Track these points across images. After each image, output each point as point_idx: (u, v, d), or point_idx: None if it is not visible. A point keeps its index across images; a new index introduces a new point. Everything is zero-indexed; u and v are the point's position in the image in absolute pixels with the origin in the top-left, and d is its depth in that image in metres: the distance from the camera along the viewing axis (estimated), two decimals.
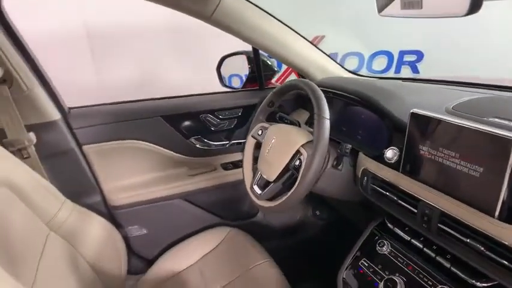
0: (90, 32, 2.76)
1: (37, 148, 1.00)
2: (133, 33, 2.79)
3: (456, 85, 0.98)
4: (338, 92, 1.01)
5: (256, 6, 1.04)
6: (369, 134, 0.92)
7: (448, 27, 2.63)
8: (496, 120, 0.68)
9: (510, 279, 0.55)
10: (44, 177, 0.96)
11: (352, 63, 3.12)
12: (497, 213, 0.56)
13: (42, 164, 1.01)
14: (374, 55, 3.14)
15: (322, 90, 0.84)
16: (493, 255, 0.57)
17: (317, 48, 1.19)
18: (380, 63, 3.13)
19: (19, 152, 0.96)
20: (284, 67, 2.62)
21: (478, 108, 0.72)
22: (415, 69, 3.06)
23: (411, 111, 0.70)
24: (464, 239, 0.61)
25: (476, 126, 0.58)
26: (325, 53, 1.21)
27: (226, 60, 1.42)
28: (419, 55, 2.99)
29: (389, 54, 3.11)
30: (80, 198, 1.05)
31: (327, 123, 0.79)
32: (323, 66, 1.18)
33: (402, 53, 3.06)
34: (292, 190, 0.81)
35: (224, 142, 1.30)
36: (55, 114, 1.04)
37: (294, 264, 1.16)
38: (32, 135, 0.98)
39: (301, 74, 1.22)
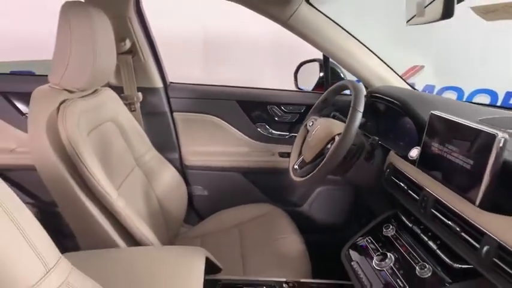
0: (207, 37, 3.23)
1: (141, 105, 1.36)
2: (243, 43, 3.17)
3: None
4: (384, 96, 1.11)
5: (328, 17, 1.22)
6: (402, 135, 1.01)
7: None
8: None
9: (477, 260, 0.61)
10: (142, 127, 1.30)
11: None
12: (478, 201, 0.63)
13: (142, 118, 1.37)
14: (475, 92, 2.96)
15: (373, 95, 0.97)
16: (467, 237, 0.63)
17: (382, 61, 1.30)
18: (481, 101, 2.93)
19: (129, 105, 1.32)
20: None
21: (501, 121, 0.77)
22: None
23: (430, 112, 0.79)
24: (447, 221, 0.68)
25: (470, 123, 0.66)
26: (389, 66, 1.31)
27: (303, 66, 1.62)
28: None
29: (493, 94, 2.89)
30: (163, 151, 1.37)
31: (359, 116, 0.92)
32: (384, 77, 1.28)
33: (510, 95, 2.82)
34: (315, 170, 0.96)
35: (285, 133, 1.50)
36: (159, 83, 1.39)
37: (322, 257, 1.26)
38: (140, 95, 1.35)
39: (363, 82, 1.34)
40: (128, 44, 1.26)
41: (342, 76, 1.48)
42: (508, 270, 0.53)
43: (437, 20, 0.56)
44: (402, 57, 2.96)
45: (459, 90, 3.00)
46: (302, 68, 1.60)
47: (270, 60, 3.24)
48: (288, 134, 1.49)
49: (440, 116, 0.75)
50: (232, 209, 1.41)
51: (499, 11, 0.70)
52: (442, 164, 0.73)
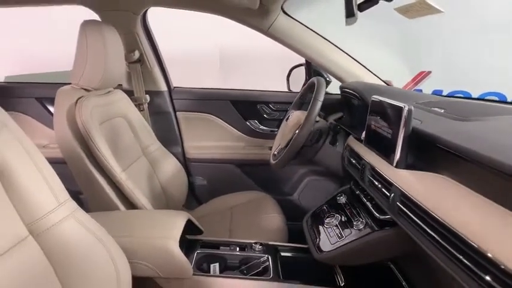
0: (222, 53, 3.48)
1: (149, 106, 1.60)
2: (255, 58, 3.39)
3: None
4: (349, 90, 1.28)
5: (304, 25, 1.41)
6: (359, 120, 1.17)
7: None
8: (436, 109, 0.89)
9: (388, 206, 0.76)
10: (149, 125, 1.53)
11: None
12: (394, 163, 0.78)
13: (150, 117, 1.60)
14: (484, 96, 3.01)
15: (344, 90, 1.13)
16: (384, 190, 0.79)
17: (356, 61, 1.47)
18: None
19: (138, 106, 1.56)
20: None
21: (434, 104, 0.93)
22: None
23: (371, 97, 0.95)
24: (376, 183, 0.83)
25: (390, 101, 0.82)
26: (363, 65, 1.47)
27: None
28: None
29: (501, 97, 2.93)
30: (168, 146, 1.59)
31: (318, 104, 1.09)
32: (357, 75, 1.44)
33: None
34: (283, 153, 1.14)
35: (274, 129, 1.68)
36: (164, 87, 1.63)
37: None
38: (147, 97, 1.59)
39: (339, 81, 1.50)
40: (136, 54, 1.51)
41: (325, 76, 1.65)
42: (408, 212, 0.69)
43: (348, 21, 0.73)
44: (409, 63, 3.10)
45: (467, 94, 3.06)
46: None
47: (278, 71, 3.44)
48: (276, 129, 1.67)
49: (375, 100, 0.92)
50: (227, 195, 1.60)
51: (414, 9, 0.86)
52: (376, 137, 0.89)
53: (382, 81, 1.49)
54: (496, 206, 0.51)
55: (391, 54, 3.03)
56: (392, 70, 3.15)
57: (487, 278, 0.46)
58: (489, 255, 0.46)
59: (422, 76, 3.18)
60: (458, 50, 2.97)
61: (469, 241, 0.50)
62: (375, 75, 1.48)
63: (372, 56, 1.64)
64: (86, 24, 1.14)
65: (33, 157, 0.69)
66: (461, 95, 3.03)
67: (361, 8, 0.83)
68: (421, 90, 3.10)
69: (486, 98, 2.87)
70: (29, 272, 0.64)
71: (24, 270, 0.63)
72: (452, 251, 0.53)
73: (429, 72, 3.10)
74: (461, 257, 0.51)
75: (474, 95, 3.03)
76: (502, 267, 0.43)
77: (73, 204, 0.74)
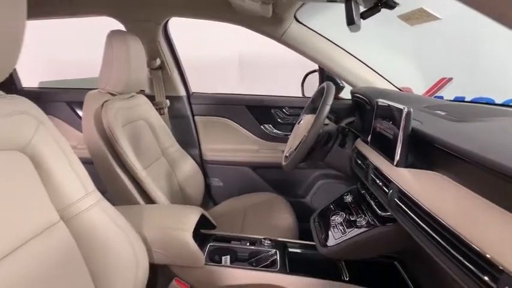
0: (241, 60, 3.59)
1: (169, 110, 1.69)
2: (273, 65, 3.48)
3: None
4: (359, 95, 1.32)
5: (316, 32, 1.47)
6: (367, 123, 1.21)
7: None
8: (438, 111, 0.93)
9: (387, 202, 0.80)
10: (169, 128, 1.62)
11: None
12: (395, 162, 0.82)
13: (169, 120, 1.69)
14: (508, 102, 2.95)
15: (354, 95, 1.18)
16: (383, 187, 0.83)
17: (367, 65, 1.51)
18: None
19: (159, 110, 1.66)
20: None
21: (438, 107, 0.96)
22: None
23: (376, 100, 1.00)
24: (378, 181, 0.87)
25: (391, 103, 0.87)
26: (374, 70, 1.51)
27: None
28: None
29: None
30: (186, 148, 1.67)
31: (327, 108, 1.14)
32: (368, 80, 1.49)
33: None
34: (293, 154, 1.19)
35: (287, 133, 1.74)
36: (183, 92, 1.72)
37: None
38: (167, 102, 1.68)
39: (350, 85, 1.55)
40: (158, 62, 1.61)
41: (338, 82, 1.70)
42: (404, 207, 0.73)
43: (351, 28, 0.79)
44: (431, 70, 3.08)
45: (490, 101, 3.00)
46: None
47: (295, 77, 3.51)
48: (290, 133, 1.72)
49: (380, 103, 0.96)
50: (242, 196, 1.66)
51: (415, 16, 0.90)
52: (380, 138, 0.93)
53: (394, 86, 1.52)
54: (488, 203, 0.54)
55: (413, 61, 3.04)
56: (414, 77, 3.16)
57: (485, 278, 0.47)
58: (477, 248, 0.48)
59: (443, 83, 3.14)
60: (483, 56, 2.92)
61: (462, 236, 0.52)
62: (387, 80, 1.51)
63: (393, 64, 1.68)
64: (112, 34, 1.25)
65: (65, 151, 0.78)
66: (484, 102, 2.99)
67: (364, 16, 0.88)
68: (442, 97, 3.07)
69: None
70: (58, 254, 0.72)
71: (54, 252, 0.71)
72: (446, 245, 0.56)
73: (450, 79, 3.07)
74: (454, 251, 0.54)
75: (498, 102, 2.98)
76: (501, 268, 0.44)
77: (98, 194, 0.83)
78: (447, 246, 0.56)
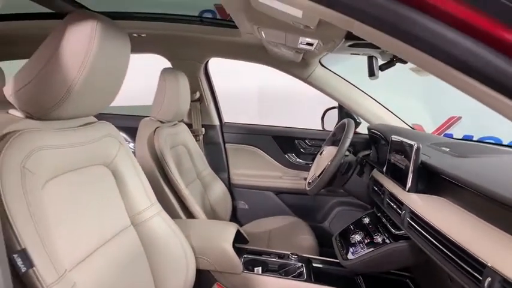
0: (261, 93, 3.82)
1: (204, 137, 1.91)
2: (290, 99, 3.68)
3: None
4: (375, 131, 1.50)
5: (338, 75, 1.69)
6: (382, 156, 1.38)
7: None
8: (443, 148, 1.10)
9: (401, 222, 0.96)
10: (203, 152, 1.83)
11: None
12: (407, 188, 0.99)
13: (204, 146, 1.90)
14: None
15: (371, 130, 1.37)
16: (398, 210, 0.99)
17: (382, 105, 1.70)
18: None
19: (195, 137, 1.87)
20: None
21: (443, 144, 1.14)
22: None
23: (391, 137, 1.18)
24: (392, 205, 1.04)
25: (404, 139, 1.04)
26: (387, 109, 1.70)
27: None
28: None
29: None
30: (217, 172, 1.86)
31: (348, 141, 1.32)
32: (382, 118, 1.67)
33: None
34: (317, 180, 1.36)
35: (309, 162, 1.92)
36: (216, 122, 1.94)
37: None
38: (203, 129, 1.90)
39: (367, 122, 1.73)
40: (197, 94, 1.85)
41: (355, 118, 1.88)
42: (415, 226, 0.89)
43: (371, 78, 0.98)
44: (439, 108, 3.24)
45: (497, 140, 3.12)
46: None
47: (312, 112, 3.69)
48: (311, 162, 1.90)
49: (394, 139, 1.14)
50: (266, 218, 1.82)
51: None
52: (394, 168, 1.10)
53: (405, 123, 1.70)
54: (480, 220, 0.69)
55: (425, 101, 3.21)
56: (425, 116, 3.31)
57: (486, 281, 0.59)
58: (478, 257, 0.61)
59: (452, 122, 3.28)
60: None
61: (464, 248, 0.66)
62: (399, 118, 1.70)
63: (406, 104, 1.83)
64: (165, 71, 1.49)
65: (136, 168, 0.98)
66: (492, 141, 3.11)
67: (382, 68, 1.08)
68: (451, 135, 3.21)
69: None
70: (128, 254, 0.89)
71: (125, 252, 0.88)
72: (451, 255, 0.70)
73: (459, 118, 3.21)
74: (458, 260, 0.67)
75: (505, 142, 3.10)
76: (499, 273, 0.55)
77: (159, 206, 1.02)
78: (453, 256, 0.71)
